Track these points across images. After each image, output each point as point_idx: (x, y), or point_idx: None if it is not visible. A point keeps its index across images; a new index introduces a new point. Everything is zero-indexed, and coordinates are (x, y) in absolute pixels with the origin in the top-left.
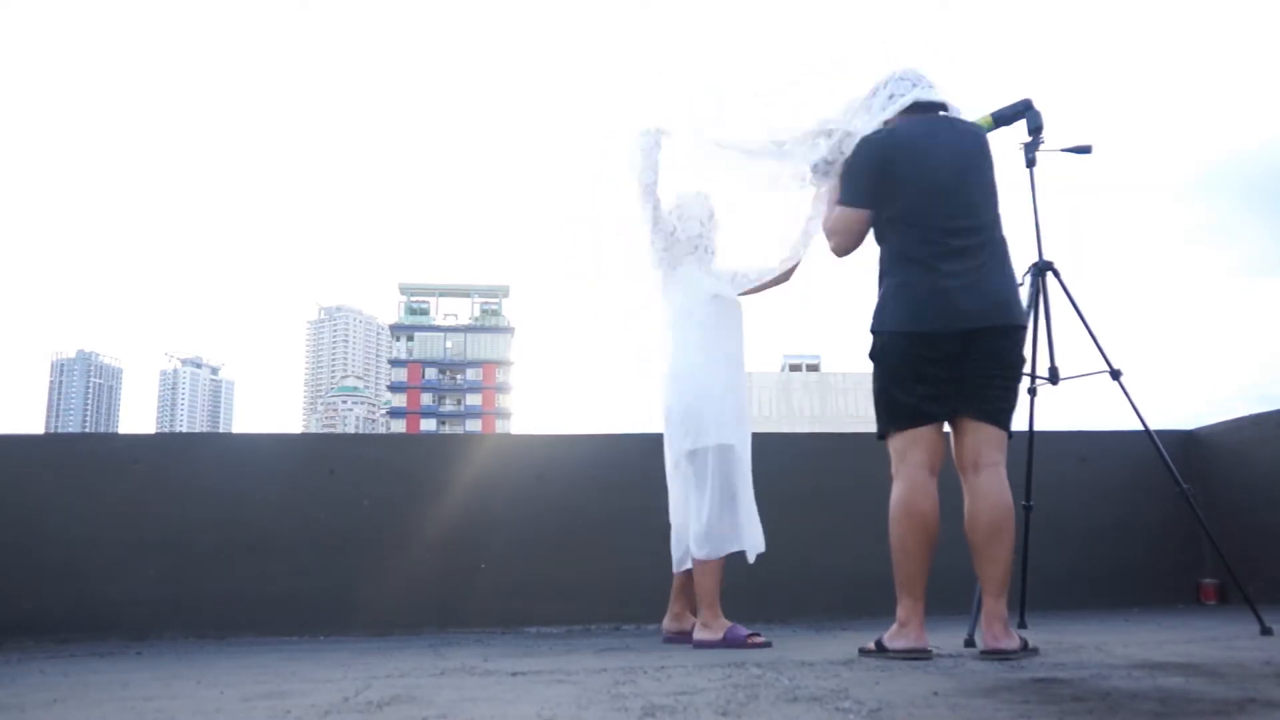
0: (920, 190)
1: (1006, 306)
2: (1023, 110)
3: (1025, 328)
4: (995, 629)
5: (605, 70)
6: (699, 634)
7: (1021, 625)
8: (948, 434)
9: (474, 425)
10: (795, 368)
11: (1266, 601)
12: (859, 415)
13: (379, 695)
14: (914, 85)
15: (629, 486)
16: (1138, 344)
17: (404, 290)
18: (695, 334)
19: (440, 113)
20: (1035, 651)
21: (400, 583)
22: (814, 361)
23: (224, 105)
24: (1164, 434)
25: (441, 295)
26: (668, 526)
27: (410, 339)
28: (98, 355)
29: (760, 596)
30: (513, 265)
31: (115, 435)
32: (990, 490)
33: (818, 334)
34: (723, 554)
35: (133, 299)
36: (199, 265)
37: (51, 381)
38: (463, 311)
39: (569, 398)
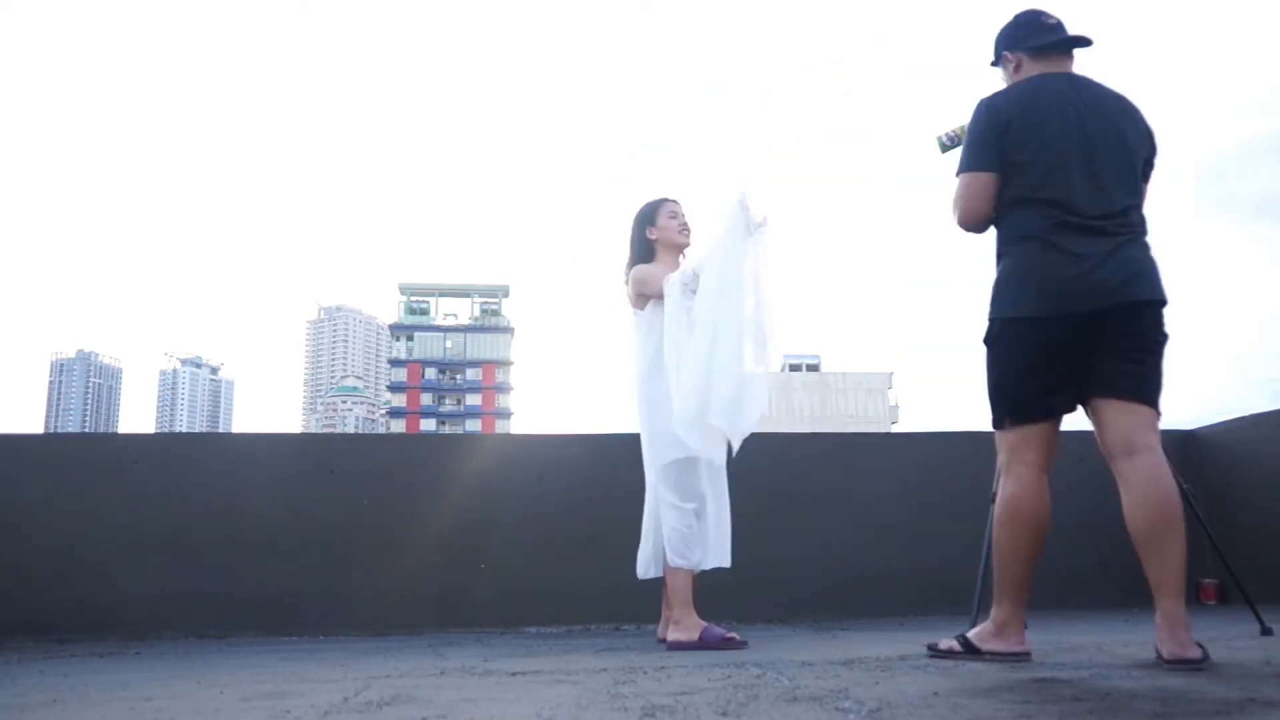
0: (1040, 160)
1: (1135, 281)
2: None
3: (1164, 303)
4: (1179, 635)
5: (605, 70)
6: (673, 634)
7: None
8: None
9: (474, 425)
10: (795, 368)
11: (1267, 601)
12: (858, 415)
13: (379, 695)
14: (1036, 27)
15: (629, 486)
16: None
17: (404, 290)
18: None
19: (440, 112)
20: (1212, 664)
21: (400, 583)
22: (814, 361)
23: (224, 105)
24: (1164, 434)
25: (441, 295)
26: None
27: (410, 339)
28: (97, 355)
29: (760, 596)
30: (512, 265)
31: (115, 435)
32: (1150, 476)
33: (818, 334)
34: (688, 561)
35: (133, 299)
36: (199, 265)
37: (51, 381)
38: (463, 311)
39: (569, 398)
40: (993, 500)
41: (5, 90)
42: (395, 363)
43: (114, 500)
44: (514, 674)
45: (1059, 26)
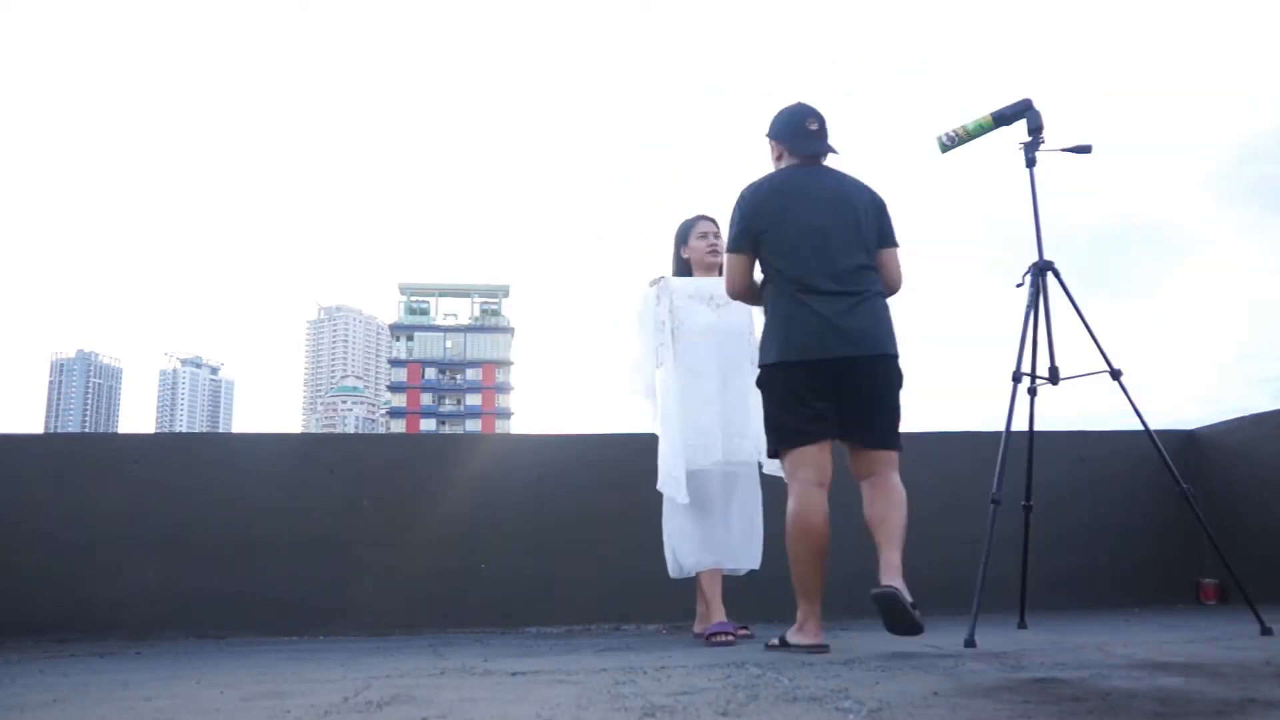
0: (792, 234)
1: (872, 338)
2: (1023, 110)
3: (895, 357)
4: (889, 574)
5: (605, 70)
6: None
7: (1022, 625)
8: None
9: (474, 425)
10: None
11: (1267, 601)
12: None
13: (379, 695)
14: (794, 137)
15: (629, 486)
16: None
17: (404, 290)
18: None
19: (440, 112)
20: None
21: (400, 583)
22: None
23: (224, 105)
24: (1164, 434)
25: (441, 295)
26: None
27: (410, 339)
28: (97, 355)
29: (760, 596)
30: (512, 265)
31: (115, 435)
32: (882, 486)
33: None
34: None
35: (132, 299)
36: (199, 265)
37: (51, 381)
38: (463, 311)
39: (569, 398)
40: (994, 500)
41: (5, 90)
42: (395, 363)
43: (114, 500)
44: (514, 674)
45: (818, 134)
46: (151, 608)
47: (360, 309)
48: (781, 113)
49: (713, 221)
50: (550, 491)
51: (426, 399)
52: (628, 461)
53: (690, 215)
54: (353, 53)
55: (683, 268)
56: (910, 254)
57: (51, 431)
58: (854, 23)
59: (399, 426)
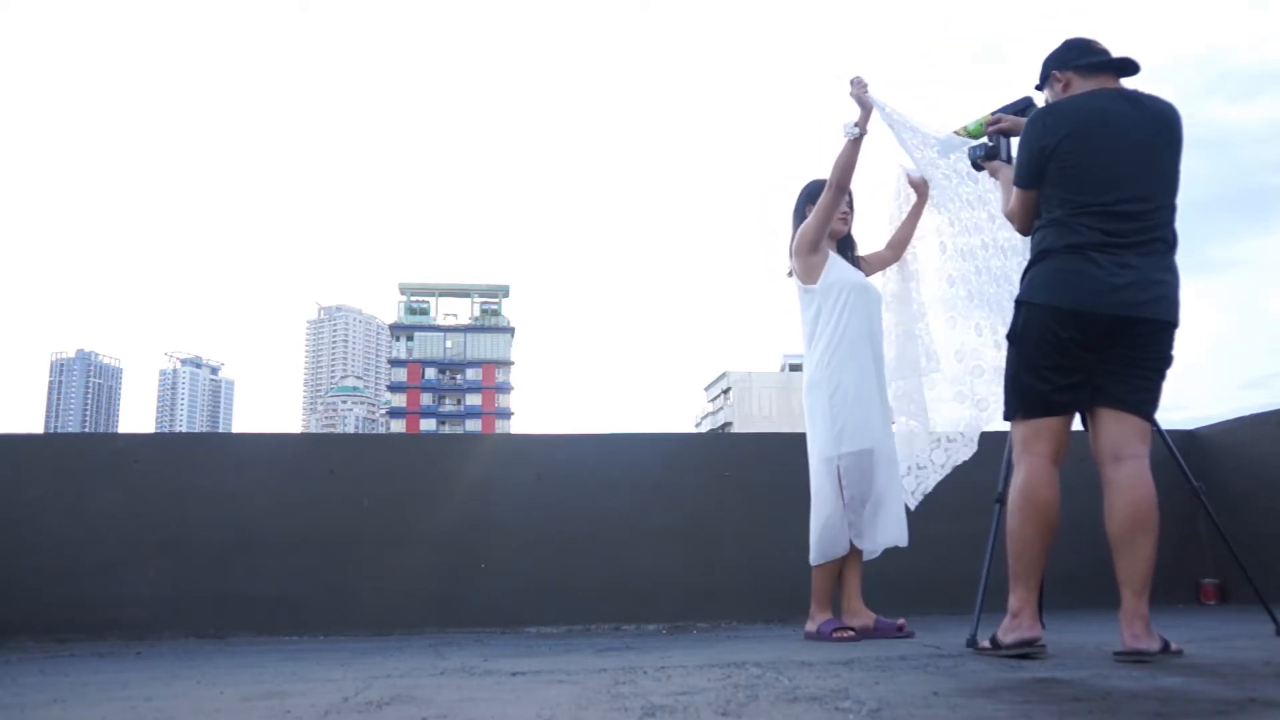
0: (1086, 173)
1: (1161, 303)
2: (1024, 107)
3: (1178, 327)
4: (1136, 628)
5: (605, 69)
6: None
7: (1040, 625)
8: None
9: (474, 425)
10: (796, 368)
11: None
12: None
13: (379, 695)
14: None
15: (629, 486)
16: None
17: (404, 290)
18: (831, 338)
19: (440, 112)
20: (1179, 654)
21: (400, 583)
22: None
23: (224, 105)
24: (1165, 434)
25: (441, 295)
26: (664, 526)
27: (410, 339)
28: (97, 355)
29: (760, 596)
30: (512, 265)
31: (115, 435)
32: (1131, 482)
33: None
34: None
35: (132, 299)
36: (199, 265)
37: (51, 381)
38: (462, 311)
39: (569, 398)
40: (998, 499)
41: (5, 90)
42: (395, 363)
43: (114, 500)
44: (514, 674)
45: (1107, 52)
46: (151, 608)
47: (360, 309)
48: (1055, 49)
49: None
50: (550, 491)
51: (426, 399)
52: (628, 461)
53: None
54: (353, 53)
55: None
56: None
57: (51, 431)
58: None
59: (399, 426)
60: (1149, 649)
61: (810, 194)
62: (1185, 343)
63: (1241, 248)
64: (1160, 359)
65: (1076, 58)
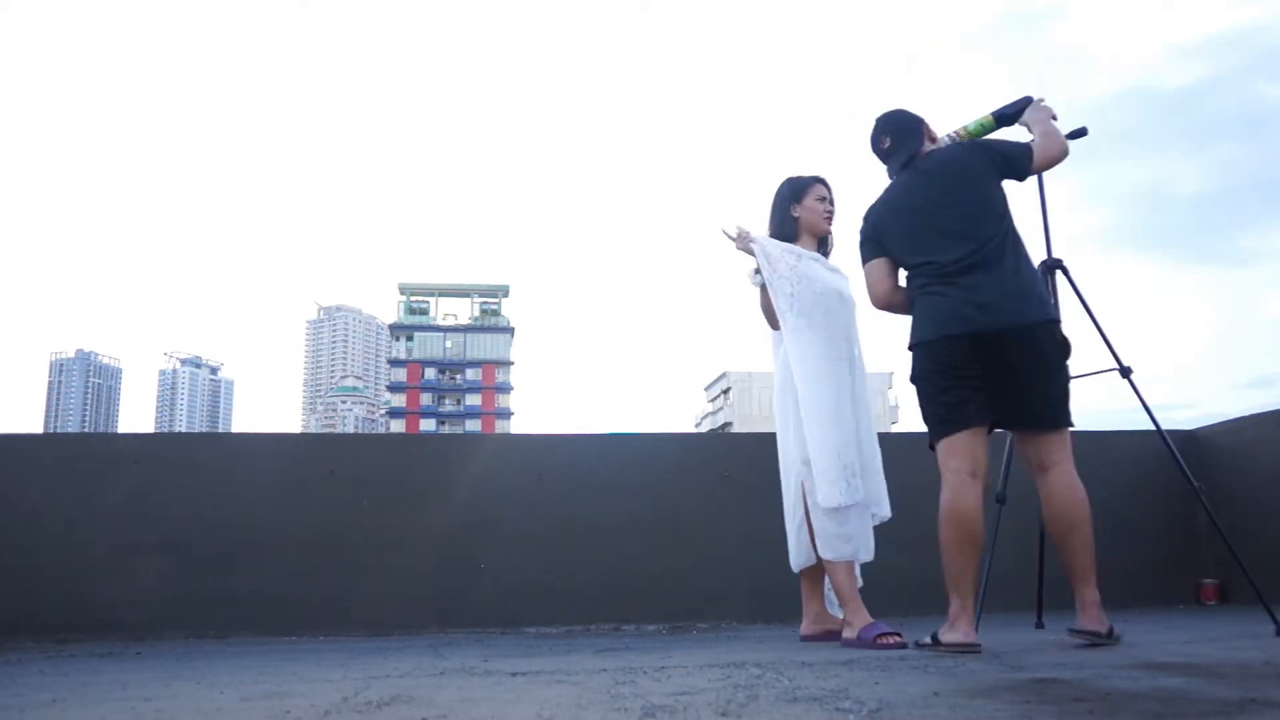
0: (911, 237)
1: (1015, 309)
2: (1023, 107)
3: (1056, 321)
4: (1090, 611)
5: (604, 69)
6: (845, 632)
7: (1039, 625)
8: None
9: (474, 425)
10: None
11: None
12: None
13: (379, 695)
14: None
15: (629, 486)
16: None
17: (404, 290)
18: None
19: (440, 112)
20: (1117, 640)
21: (400, 583)
22: None
23: (224, 105)
24: (1166, 435)
25: (441, 295)
26: (664, 527)
27: (410, 339)
28: (97, 355)
29: (760, 596)
30: (512, 265)
31: (115, 435)
32: (1058, 489)
33: None
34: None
35: (132, 299)
36: (199, 265)
37: (51, 381)
38: (462, 311)
39: (569, 398)
40: (998, 499)
41: (5, 90)
42: (395, 363)
43: (114, 500)
44: (514, 674)
45: (907, 150)
46: (151, 608)
47: (360, 309)
48: (876, 139)
49: (828, 185)
50: (550, 491)
51: (426, 399)
52: (628, 461)
53: (804, 174)
54: (352, 52)
55: (786, 227)
56: None
57: (51, 431)
58: (860, 32)
59: (399, 426)
60: (1098, 630)
61: (793, 191)
62: (1186, 341)
63: (1273, 238)
64: (1050, 360)
65: (888, 159)
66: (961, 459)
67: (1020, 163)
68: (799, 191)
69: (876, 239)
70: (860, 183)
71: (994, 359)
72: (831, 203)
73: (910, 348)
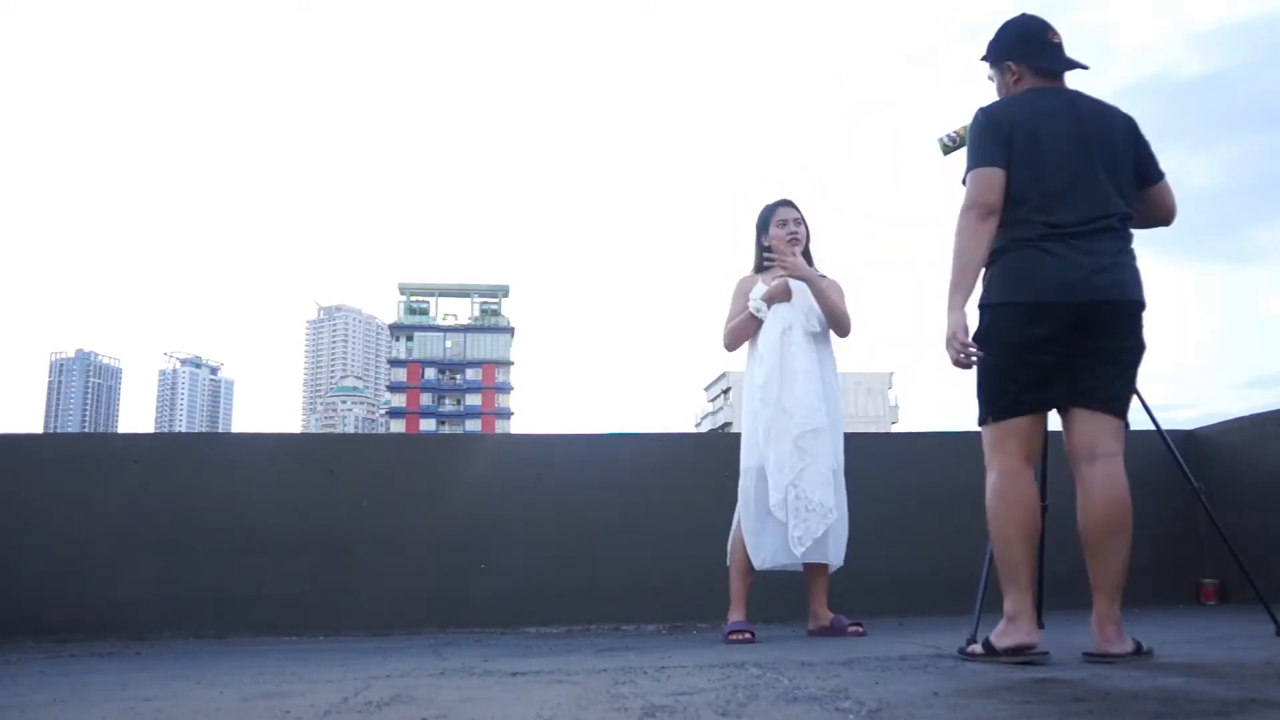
0: (1054, 165)
1: (1123, 283)
2: None
3: (1144, 306)
4: (1107, 632)
5: (604, 69)
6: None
7: (1039, 625)
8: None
9: (474, 425)
10: None
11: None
12: (858, 415)
13: (379, 695)
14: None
15: (629, 486)
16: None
17: (403, 290)
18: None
19: (440, 112)
20: (1150, 655)
21: (400, 583)
22: None
23: (224, 104)
24: (1165, 434)
25: (441, 295)
26: (664, 526)
27: (410, 339)
28: (97, 355)
29: (760, 596)
30: (512, 265)
31: (115, 435)
32: (1105, 483)
33: None
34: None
35: (132, 299)
36: (198, 265)
37: (50, 381)
38: (462, 311)
39: (569, 398)
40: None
41: (5, 90)
42: (395, 363)
43: (114, 500)
44: (514, 674)
45: (1061, 47)
46: (151, 608)
47: (360, 309)
48: (1012, 32)
49: (793, 207)
50: (550, 491)
51: (426, 399)
52: (627, 461)
53: (770, 200)
54: (352, 52)
55: (759, 258)
56: (917, 256)
57: (51, 431)
58: (859, 32)
59: (399, 426)
60: (1120, 652)
61: (761, 223)
62: (1186, 340)
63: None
64: (1131, 346)
65: (1032, 54)
66: (1019, 443)
67: (1153, 174)
68: (764, 222)
69: (1009, 141)
70: (860, 183)
71: (1080, 336)
72: (797, 221)
73: (988, 305)
